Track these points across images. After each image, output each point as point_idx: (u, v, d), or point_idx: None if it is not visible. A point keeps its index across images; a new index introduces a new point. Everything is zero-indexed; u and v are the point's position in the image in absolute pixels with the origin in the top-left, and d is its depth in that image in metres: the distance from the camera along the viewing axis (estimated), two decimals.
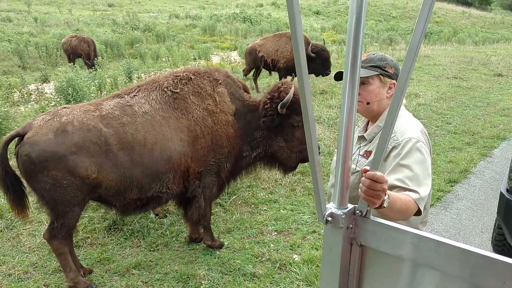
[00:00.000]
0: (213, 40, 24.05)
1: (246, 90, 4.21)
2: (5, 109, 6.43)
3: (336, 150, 1.36)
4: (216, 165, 3.88)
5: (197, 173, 3.81)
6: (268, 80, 12.54)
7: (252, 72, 11.58)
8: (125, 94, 3.73)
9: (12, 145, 3.38)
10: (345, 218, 1.28)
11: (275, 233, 4.53)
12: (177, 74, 3.92)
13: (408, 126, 2.12)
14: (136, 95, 3.71)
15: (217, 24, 28.17)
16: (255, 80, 11.48)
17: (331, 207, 1.31)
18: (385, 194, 1.54)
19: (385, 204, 1.58)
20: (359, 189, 1.49)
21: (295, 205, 5.08)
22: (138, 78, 11.82)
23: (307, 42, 10.07)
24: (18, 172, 3.41)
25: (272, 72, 11.53)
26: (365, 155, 2.21)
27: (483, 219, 4.94)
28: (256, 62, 10.95)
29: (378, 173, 1.43)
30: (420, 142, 2.04)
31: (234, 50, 20.67)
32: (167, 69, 13.31)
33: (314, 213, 4.79)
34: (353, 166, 2.19)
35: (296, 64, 1.09)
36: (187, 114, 3.74)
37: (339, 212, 1.28)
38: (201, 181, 3.86)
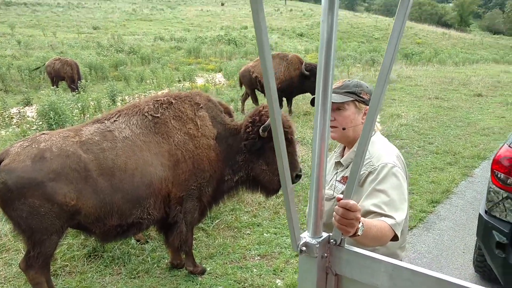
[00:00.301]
0: (198, 62, 24.22)
1: (229, 113, 4.22)
2: None
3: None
4: (198, 189, 3.85)
5: (178, 198, 3.77)
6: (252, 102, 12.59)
7: (243, 94, 11.61)
8: (105, 119, 3.71)
9: None
10: (320, 247, 1.27)
11: (258, 258, 4.49)
12: (158, 99, 3.92)
13: (383, 151, 2.14)
14: (116, 120, 3.69)
15: (202, 46, 28.41)
16: (242, 102, 11.48)
17: (305, 236, 1.30)
18: (359, 222, 1.54)
19: (359, 232, 1.57)
20: (333, 218, 1.49)
21: (279, 228, 5.05)
22: (122, 100, 11.78)
23: (299, 62, 10.20)
24: None
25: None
26: (342, 181, 2.21)
27: (465, 240, 4.96)
28: (252, 84, 10.88)
29: (351, 202, 1.43)
30: (396, 167, 2.05)
31: (219, 72, 20.83)
32: (151, 91, 13.30)
33: None
34: (331, 192, 2.20)
35: (266, 88, 1.09)
36: (168, 139, 3.73)
37: (313, 241, 1.27)
38: (182, 206, 3.81)
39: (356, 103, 2.21)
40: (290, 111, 11.14)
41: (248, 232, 4.97)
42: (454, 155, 8.02)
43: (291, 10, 65.64)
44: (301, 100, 12.25)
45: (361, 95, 2.21)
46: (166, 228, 3.99)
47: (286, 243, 4.71)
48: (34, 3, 52.69)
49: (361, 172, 2.08)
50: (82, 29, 37.78)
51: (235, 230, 5.00)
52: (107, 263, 4.26)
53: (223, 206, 5.19)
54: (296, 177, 4.05)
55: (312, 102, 2.26)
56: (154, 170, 3.60)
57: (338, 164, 2.32)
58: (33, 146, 3.27)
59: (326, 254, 1.30)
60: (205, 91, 14.02)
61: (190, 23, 49.63)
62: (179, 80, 17.42)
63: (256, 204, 5.60)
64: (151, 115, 3.79)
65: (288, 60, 10.42)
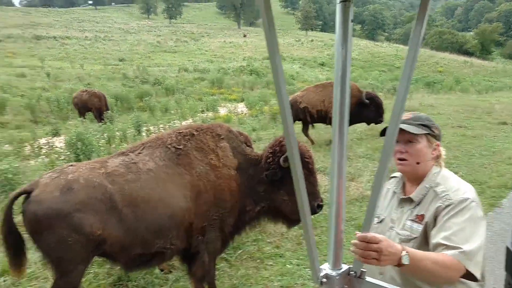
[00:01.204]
0: (220, 92, 24.64)
1: (249, 143, 4.29)
2: (16, 165, 6.54)
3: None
4: (220, 219, 3.89)
5: (200, 228, 3.81)
6: (274, 131, 12.67)
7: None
8: (130, 151, 3.83)
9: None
10: (340, 279, 1.29)
11: None
12: (180, 131, 4.02)
13: (461, 186, 2.07)
14: (140, 153, 3.79)
15: (225, 77, 28.96)
16: (306, 134, 11.24)
17: (325, 267, 1.32)
18: (404, 251, 1.54)
19: (404, 261, 1.56)
20: (354, 253, 1.51)
21: (302, 259, 5.01)
22: (147, 131, 12.04)
23: (357, 89, 10.13)
24: (21, 229, 3.44)
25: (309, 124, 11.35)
26: (417, 220, 2.09)
27: (494, 273, 4.80)
28: (298, 115, 10.62)
29: (370, 235, 1.45)
30: (474, 202, 1.98)
31: (241, 101, 21.10)
32: (175, 121, 13.55)
33: None
34: (407, 232, 2.09)
35: (283, 120, 1.14)
36: (190, 170, 3.80)
37: (333, 273, 1.29)
38: (204, 236, 3.85)
39: (429, 136, 2.14)
40: (312, 141, 11.08)
41: (270, 263, 4.95)
42: (480, 184, 7.86)
43: (312, 40, 66.54)
44: (323, 129, 12.27)
45: (432, 129, 2.14)
46: (188, 258, 4.01)
47: (309, 275, 4.66)
48: (63, 37, 54.85)
49: (437, 205, 2.01)
50: (109, 61, 39.05)
51: (258, 261, 4.98)
52: None
53: (246, 237, 5.19)
54: (317, 207, 4.05)
55: (382, 133, 2.12)
56: (176, 201, 3.67)
57: (405, 201, 2.19)
58: (61, 177, 3.38)
59: (346, 286, 1.32)
60: (228, 121, 14.21)
61: (213, 54, 50.77)
62: (203, 111, 17.73)
63: (278, 234, 5.58)
64: (174, 147, 3.88)
65: None
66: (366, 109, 9.90)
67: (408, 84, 1.06)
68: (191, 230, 3.80)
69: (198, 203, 3.76)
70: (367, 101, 9.84)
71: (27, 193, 3.35)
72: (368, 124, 10.68)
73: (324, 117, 10.60)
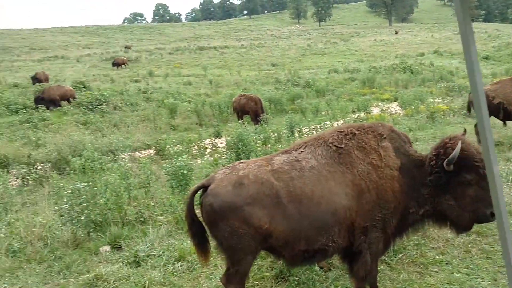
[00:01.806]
0: (372, 92, 24.01)
1: (410, 144, 4.11)
2: (190, 162, 7.32)
3: None
4: (382, 220, 3.80)
5: (362, 228, 3.79)
6: (432, 132, 11.91)
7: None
8: (293, 150, 4.00)
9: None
10: None
11: None
12: (341, 130, 4.05)
13: None
14: (303, 151, 3.93)
15: (376, 76, 28.13)
16: (477, 132, 10.48)
17: None
18: None
19: None
20: None
21: (471, 268, 4.60)
22: (299, 132, 12.33)
23: None
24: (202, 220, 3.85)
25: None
26: None
27: None
28: (491, 112, 9.23)
29: None
30: None
31: (394, 101, 20.27)
32: (326, 122, 13.62)
33: (496, 280, 4.29)
34: None
35: (477, 112, 1.08)
36: (352, 169, 3.80)
37: None
38: (366, 236, 3.81)
39: None
40: (480, 141, 9.86)
41: (435, 269, 4.65)
42: None
43: (473, 32, 60.63)
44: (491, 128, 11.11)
45: None
46: (350, 257, 4.01)
47: (481, 286, 4.25)
48: (222, 46, 59.31)
49: None
50: (262, 67, 41.08)
51: (421, 266, 4.73)
52: (293, 286, 4.45)
53: (407, 240, 4.97)
54: (491, 215, 3.68)
55: None
56: (338, 199, 3.70)
57: None
58: (233, 173, 3.69)
59: None
60: (381, 121, 13.78)
61: (363, 54, 49.82)
62: (354, 111, 17.50)
63: (443, 240, 5.22)
64: (335, 145, 3.92)
65: None
66: None
67: None
68: (353, 229, 3.79)
69: (360, 202, 3.74)
70: None
71: (205, 187, 3.74)
72: None
73: None
